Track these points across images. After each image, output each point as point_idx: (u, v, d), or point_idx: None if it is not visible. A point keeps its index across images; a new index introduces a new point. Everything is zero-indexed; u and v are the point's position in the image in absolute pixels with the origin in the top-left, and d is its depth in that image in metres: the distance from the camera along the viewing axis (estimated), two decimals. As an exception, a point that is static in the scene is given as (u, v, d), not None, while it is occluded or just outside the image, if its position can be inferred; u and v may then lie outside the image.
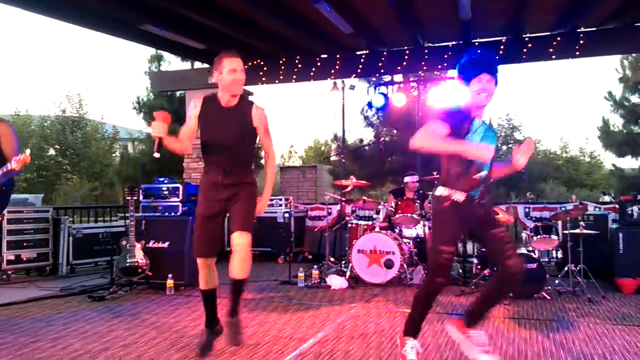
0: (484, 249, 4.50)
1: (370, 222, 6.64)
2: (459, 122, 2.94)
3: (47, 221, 7.02)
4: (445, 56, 7.70)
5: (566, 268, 5.47)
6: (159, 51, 15.12)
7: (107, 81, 69.10)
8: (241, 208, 3.35)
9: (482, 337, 3.12)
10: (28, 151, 3.79)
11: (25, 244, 6.72)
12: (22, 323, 4.17)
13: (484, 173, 3.00)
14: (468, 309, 3.21)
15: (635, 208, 5.80)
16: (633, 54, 15.12)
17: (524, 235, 5.91)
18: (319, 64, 8.27)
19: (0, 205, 4.24)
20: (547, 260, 5.82)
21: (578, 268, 5.44)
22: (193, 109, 3.41)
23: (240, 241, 3.26)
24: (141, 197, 6.43)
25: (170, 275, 5.65)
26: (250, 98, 3.47)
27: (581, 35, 7.02)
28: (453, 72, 8.78)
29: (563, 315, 4.56)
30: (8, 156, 4.04)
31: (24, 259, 6.73)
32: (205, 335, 3.51)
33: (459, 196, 2.98)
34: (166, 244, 5.91)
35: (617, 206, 6.61)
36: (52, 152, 24.23)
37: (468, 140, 2.91)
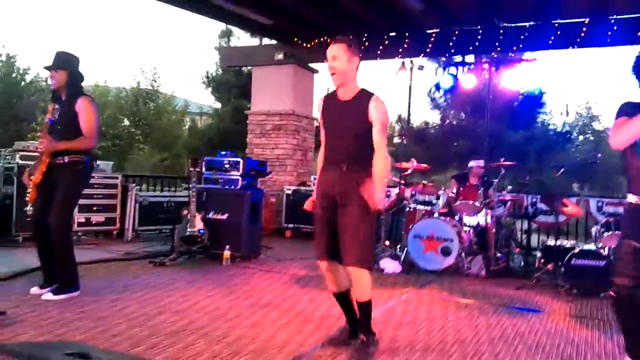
0: None
1: (429, 207, 6.47)
2: (633, 109, 2.69)
3: (116, 187, 7.36)
4: (522, 37, 7.28)
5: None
6: (228, 27, 15.34)
7: (179, 56, 71.44)
8: (351, 238, 3.00)
9: None
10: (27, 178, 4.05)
11: (95, 208, 7.07)
12: (86, 283, 4.37)
13: None
14: None
15: None
16: None
17: (594, 230, 5.54)
18: (386, 42, 8.07)
19: (79, 184, 4.20)
20: (618, 258, 5.45)
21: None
22: (318, 112, 3.30)
23: (354, 273, 3.05)
24: (203, 169, 6.58)
25: (227, 247, 5.78)
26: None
27: (674, 18, 6.44)
28: (529, 54, 8.33)
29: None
30: (85, 132, 4.03)
31: (93, 222, 7.10)
32: (338, 330, 3.34)
33: (636, 199, 2.77)
34: (225, 216, 6.05)
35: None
36: (126, 122, 25.31)
37: None
